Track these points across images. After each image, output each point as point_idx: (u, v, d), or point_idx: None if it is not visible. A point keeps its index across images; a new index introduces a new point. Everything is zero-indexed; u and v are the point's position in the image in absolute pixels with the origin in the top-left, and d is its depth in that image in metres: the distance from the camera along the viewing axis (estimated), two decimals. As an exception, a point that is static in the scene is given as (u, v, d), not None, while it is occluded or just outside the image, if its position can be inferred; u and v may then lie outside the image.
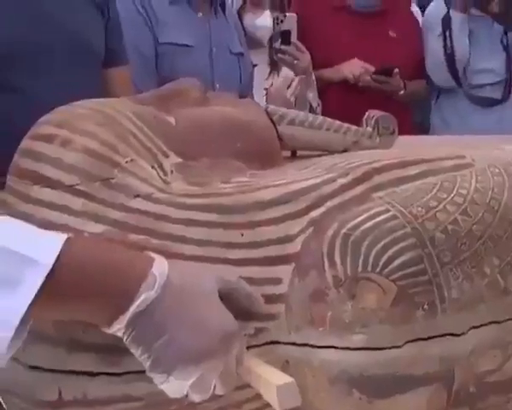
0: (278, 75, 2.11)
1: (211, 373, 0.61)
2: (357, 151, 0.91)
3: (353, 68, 2.13)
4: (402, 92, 2.17)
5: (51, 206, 0.66)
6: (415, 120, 2.35)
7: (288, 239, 0.70)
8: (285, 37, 1.98)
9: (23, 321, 0.55)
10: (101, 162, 0.67)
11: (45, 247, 0.56)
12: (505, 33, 2.09)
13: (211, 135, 0.77)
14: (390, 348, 0.68)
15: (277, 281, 0.68)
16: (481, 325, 0.73)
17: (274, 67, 2.10)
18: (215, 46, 1.83)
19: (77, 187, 0.66)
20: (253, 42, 2.03)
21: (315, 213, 0.71)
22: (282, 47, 1.99)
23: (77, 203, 0.66)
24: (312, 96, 2.02)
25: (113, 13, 1.56)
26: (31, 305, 0.55)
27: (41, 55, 1.37)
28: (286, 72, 2.09)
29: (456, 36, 2.14)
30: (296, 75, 2.05)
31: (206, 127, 0.77)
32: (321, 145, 0.93)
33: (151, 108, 0.77)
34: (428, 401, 0.70)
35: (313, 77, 2.06)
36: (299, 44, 2.00)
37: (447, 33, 2.14)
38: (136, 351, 0.60)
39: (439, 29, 2.17)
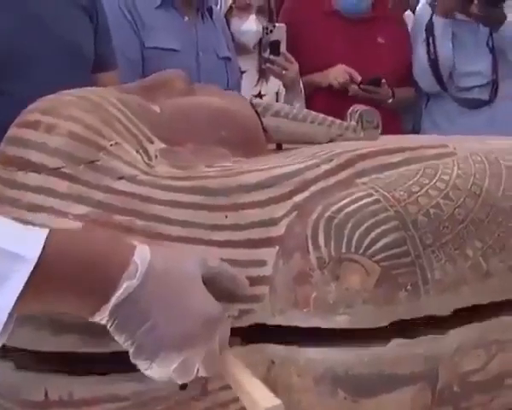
0: (267, 83, 2.12)
1: (193, 358, 0.62)
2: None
3: (338, 75, 2.15)
4: (390, 101, 2.19)
5: (37, 189, 0.67)
6: (406, 126, 2.37)
7: (272, 222, 0.70)
8: (274, 47, 2.00)
9: (10, 315, 0.56)
10: (86, 146, 0.67)
11: (29, 241, 0.57)
12: (491, 35, 2.12)
13: (195, 123, 0.78)
14: (375, 341, 0.69)
15: (262, 263, 0.69)
16: (463, 311, 0.74)
17: (263, 74, 2.11)
18: (202, 50, 1.84)
19: (62, 170, 0.67)
20: (239, 46, 2.04)
21: (298, 198, 0.72)
22: (271, 57, 2.00)
23: (62, 186, 0.66)
24: (299, 106, 2.03)
25: (102, 18, 1.57)
26: (17, 300, 0.55)
27: (31, 60, 1.38)
28: (274, 80, 2.10)
29: (439, 41, 2.17)
30: (284, 85, 2.07)
31: (190, 115, 0.78)
32: (305, 137, 0.94)
33: (136, 96, 0.77)
34: (413, 401, 0.71)
35: (301, 86, 2.08)
36: (288, 55, 2.02)
37: (430, 39, 2.17)
38: (119, 338, 0.60)
39: (424, 34, 2.19)
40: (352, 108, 1.01)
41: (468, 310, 0.74)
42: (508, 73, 2.15)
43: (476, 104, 2.16)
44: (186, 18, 1.85)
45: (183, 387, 0.67)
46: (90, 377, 0.66)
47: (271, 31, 2.00)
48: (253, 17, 2.02)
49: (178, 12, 1.84)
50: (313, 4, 2.25)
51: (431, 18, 2.20)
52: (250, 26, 2.02)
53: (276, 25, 2.03)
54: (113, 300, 0.58)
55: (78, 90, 0.75)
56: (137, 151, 0.70)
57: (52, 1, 1.47)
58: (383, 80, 2.14)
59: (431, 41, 2.17)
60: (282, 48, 2.01)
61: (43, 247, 0.56)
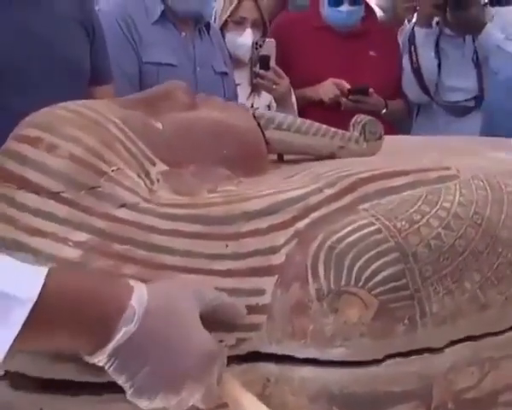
0: (259, 97, 2.11)
1: (192, 395, 0.62)
2: (345, 158, 0.91)
3: (327, 90, 2.15)
4: (384, 111, 2.17)
5: (36, 212, 0.66)
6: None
7: (272, 251, 0.70)
8: (264, 62, 2.00)
9: (6, 355, 0.56)
10: (87, 170, 0.67)
11: (27, 282, 0.57)
12: (475, 50, 2.11)
13: (197, 141, 0.77)
14: (370, 362, 0.69)
15: (261, 292, 0.69)
16: (458, 342, 0.74)
17: (255, 87, 2.10)
18: (199, 66, 1.84)
19: (62, 195, 0.66)
20: (233, 59, 2.03)
21: (300, 225, 0.71)
22: (261, 72, 2.00)
23: (62, 211, 0.65)
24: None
25: (98, 32, 1.58)
26: (15, 340, 0.55)
27: (28, 73, 1.39)
28: (266, 94, 2.09)
29: (420, 50, 2.21)
30: (275, 99, 2.07)
31: (192, 134, 0.77)
32: (308, 149, 0.93)
33: (138, 112, 0.76)
34: (407, 419, 0.71)
35: (293, 100, 2.07)
36: (278, 70, 2.02)
37: (412, 48, 2.21)
38: (118, 379, 0.61)
39: (407, 44, 2.24)
40: (354, 118, 1.00)
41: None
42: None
43: (463, 112, 2.19)
44: (183, 33, 1.85)
45: None
46: (86, 396, 0.66)
47: (261, 46, 2.01)
48: (248, 31, 2.02)
49: (176, 27, 1.84)
50: (303, 19, 2.25)
51: (413, 28, 2.26)
52: (245, 39, 2.02)
53: (266, 40, 2.03)
54: (112, 343, 0.59)
55: (74, 105, 0.74)
56: (139, 175, 0.69)
57: (50, 16, 1.48)
58: (370, 89, 2.13)
59: (413, 50, 2.21)
60: (272, 63, 2.01)
61: (41, 290, 0.56)
